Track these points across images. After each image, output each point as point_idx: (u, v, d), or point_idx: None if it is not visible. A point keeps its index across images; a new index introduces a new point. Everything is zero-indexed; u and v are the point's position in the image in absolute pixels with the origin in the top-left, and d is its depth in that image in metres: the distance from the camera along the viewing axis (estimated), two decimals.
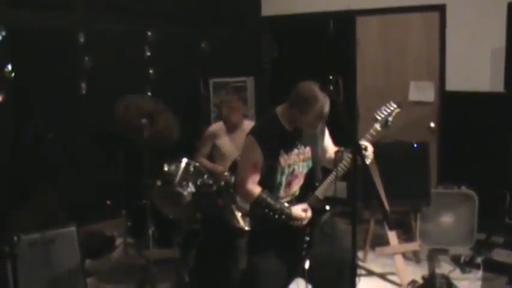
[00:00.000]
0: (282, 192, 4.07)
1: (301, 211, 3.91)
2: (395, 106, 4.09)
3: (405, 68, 7.41)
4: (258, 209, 3.95)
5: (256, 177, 3.98)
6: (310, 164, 4.10)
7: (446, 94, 7.09)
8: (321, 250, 4.00)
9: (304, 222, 3.93)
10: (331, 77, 3.65)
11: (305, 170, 4.12)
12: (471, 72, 6.81)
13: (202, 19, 7.80)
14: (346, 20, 7.74)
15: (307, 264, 3.92)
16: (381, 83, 7.56)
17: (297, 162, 4.04)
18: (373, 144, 4.05)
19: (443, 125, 7.18)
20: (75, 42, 6.56)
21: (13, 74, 6.02)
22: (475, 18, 6.71)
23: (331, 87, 3.65)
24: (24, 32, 6.07)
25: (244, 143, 4.06)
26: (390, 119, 4.05)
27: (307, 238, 3.98)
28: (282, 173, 4.01)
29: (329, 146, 4.30)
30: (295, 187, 4.13)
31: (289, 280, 4.11)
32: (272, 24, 8.47)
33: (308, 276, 4.00)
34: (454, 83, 7.00)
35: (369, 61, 7.70)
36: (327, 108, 3.82)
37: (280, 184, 4.04)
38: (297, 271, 3.98)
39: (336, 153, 3.95)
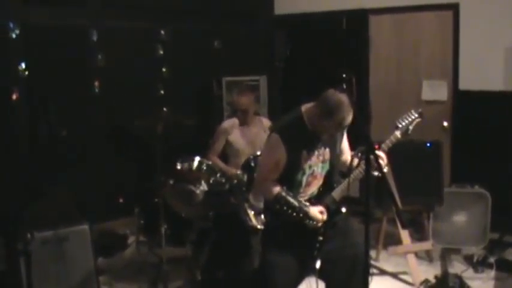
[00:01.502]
0: (300, 192, 4.07)
1: (318, 212, 3.94)
2: (416, 116, 4.16)
3: (418, 67, 7.38)
4: (276, 206, 3.96)
5: (276, 175, 3.99)
6: (327, 165, 4.10)
7: (459, 93, 7.06)
8: (333, 246, 4.02)
9: (320, 224, 3.95)
10: (344, 76, 3.66)
11: (324, 171, 4.11)
12: (484, 71, 6.78)
13: (216, 18, 7.80)
14: (359, 18, 7.72)
15: (318, 264, 3.92)
16: (394, 82, 7.54)
17: (317, 163, 4.04)
18: (388, 153, 4.08)
19: (457, 124, 7.15)
20: (88, 40, 6.59)
21: (26, 72, 6.05)
22: (488, 17, 6.68)
23: (345, 86, 3.66)
24: (38, 30, 6.10)
25: (269, 141, 4.07)
26: (411, 127, 4.13)
27: (321, 238, 3.99)
28: (303, 173, 4.01)
29: (345, 148, 4.31)
30: (314, 187, 4.14)
31: (300, 278, 4.12)
32: (285, 23, 8.45)
33: (320, 274, 4.00)
34: (467, 82, 6.97)
35: (382, 60, 7.68)
36: (347, 120, 3.83)
37: (301, 184, 4.04)
38: (308, 269, 3.99)
39: (352, 157, 3.93)
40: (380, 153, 3.93)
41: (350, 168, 3.88)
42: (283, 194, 3.93)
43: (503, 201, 6.10)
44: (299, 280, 4.14)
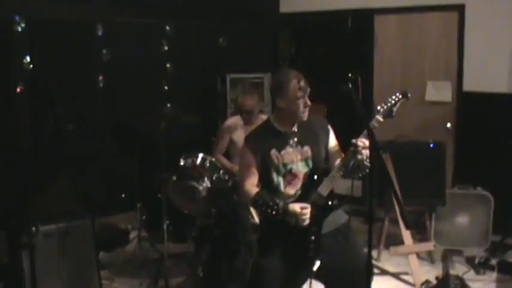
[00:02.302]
0: (283, 193, 4.01)
1: (298, 208, 3.82)
2: (400, 96, 4.00)
3: (423, 68, 7.39)
4: (257, 208, 4.06)
5: (254, 180, 4.03)
6: (310, 163, 4.05)
7: (463, 94, 7.06)
8: (334, 259, 3.93)
9: (305, 220, 3.82)
10: (350, 75, 3.65)
11: (305, 170, 4.05)
12: (489, 72, 6.79)
13: (221, 14, 7.81)
14: (365, 18, 7.72)
15: (316, 266, 3.88)
16: (398, 82, 7.53)
17: (294, 161, 4.00)
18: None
19: (460, 126, 7.15)
20: (93, 35, 6.58)
21: (31, 66, 6.06)
22: (494, 19, 6.69)
23: (350, 85, 3.65)
24: (44, 24, 6.10)
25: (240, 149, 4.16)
26: (395, 109, 3.98)
27: (313, 237, 3.91)
28: (278, 172, 3.99)
29: (335, 152, 4.14)
30: (297, 186, 4.06)
31: (299, 281, 4.05)
32: (290, 21, 8.45)
33: (321, 278, 3.98)
34: (471, 84, 6.97)
35: (387, 60, 7.68)
36: (304, 81, 3.87)
37: (279, 184, 4.01)
38: (307, 272, 3.94)
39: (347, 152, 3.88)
40: (363, 139, 3.77)
41: (346, 163, 3.81)
42: (260, 194, 3.92)
43: (505, 203, 6.10)
44: (298, 284, 4.07)
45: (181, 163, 5.61)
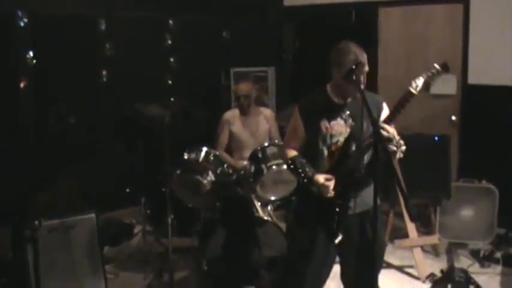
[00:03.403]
0: (325, 163, 4.01)
1: (322, 178, 3.87)
2: (438, 68, 3.68)
3: (427, 60, 7.31)
4: (290, 171, 4.15)
5: (297, 143, 4.09)
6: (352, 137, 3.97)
7: (468, 87, 7.02)
8: (354, 241, 4.01)
9: (327, 191, 3.85)
10: (354, 67, 3.65)
11: None
12: (494, 65, 6.75)
13: (224, 8, 7.79)
14: (369, 10, 7.69)
15: (338, 239, 3.90)
16: (402, 75, 7.49)
17: (342, 133, 3.95)
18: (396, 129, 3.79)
19: (465, 119, 7.12)
20: (96, 30, 6.58)
21: (34, 61, 6.05)
22: (499, 11, 6.64)
23: (354, 77, 3.64)
24: (46, 19, 6.10)
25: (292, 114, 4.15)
26: (432, 82, 3.72)
27: (337, 209, 3.92)
28: (324, 142, 3.97)
29: None
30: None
31: (328, 255, 4.11)
32: (294, 14, 8.43)
33: (340, 253, 4.13)
34: (476, 76, 6.93)
35: (391, 52, 7.65)
36: (363, 57, 3.82)
37: (322, 153, 4.00)
38: (332, 246, 4.00)
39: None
40: (388, 127, 3.67)
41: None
42: (294, 159, 4.04)
43: (510, 196, 6.08)
44: (329, 259, 4.15)
45: (185, 157, 5.61)
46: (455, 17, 7.06)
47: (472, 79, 6.96)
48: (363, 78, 3.82)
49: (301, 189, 4.18)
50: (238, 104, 5.99)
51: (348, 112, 3.96)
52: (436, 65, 3.68)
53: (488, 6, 6.72)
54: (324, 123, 3.94)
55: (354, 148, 3.89)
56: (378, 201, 3.65)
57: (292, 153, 4.09)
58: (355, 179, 3.91)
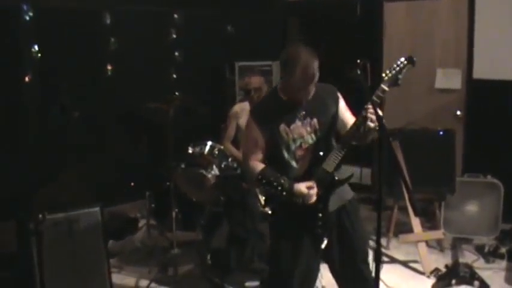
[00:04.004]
0: (296, 170, 3.82)
1: (304, 188, 3.69)
2: (405, 62, 3.83)
3: (432, 55, 7.33)
4: (260, 187, 3.88)
5: (260, 155, 3.81)
6: (318, 136, 3.83)
7: (473, 82, 7.01)
8: (337, 254, 3.92)
9: (311, 199, 3.71)
10: (359, 61, 3.61)
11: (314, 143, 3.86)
12: (499, 60, 6.72)
13: (229, 2, 7.77)
14: (374, 5, 7.67)
15: (324, 244, 3.82)
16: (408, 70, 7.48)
17: (304, 135, 3.79)
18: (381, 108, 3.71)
19: (470, 113, 7.11)
20: (101, 23, 6.58)
21: (39, 55, 6.06)
22: (504, 6, 6.62)
23: (359, 71, 3.61)
24: (51, 13, 6.09)
25: (245, 123, 3.96)
26: (400, 76, 3.81)
27: (320, 214, 3.79)
28: (288, 148, 3.79)
29: (348, 118, 3.91)
30: (307, 161, 3.87)
31: (315, 261, 3.98)
32: (299, 8, 8.41)
33: (325, 257, 3.97)
34: (481, 71, 6.91)
35: (396, 47, 7.62)
36: (312, 68, 3.62)
37: (290, 161, 3.82)
38: (317, 251, 3.89)
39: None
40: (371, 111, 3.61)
41: (353, 134, 3.67)
42: (265, 172, 3.75)
43: None
44: (313, 264, 3.99)
45: (190, 151, 5.61)
46: (460, 11, 7.03)
47: (477, 74, 6.94)
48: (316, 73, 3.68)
49: (273, 201, 3.98)
50: (248, 97, 5.94)
51: (304, 112, 3.79)
52: (402, 59, 3.83)
53: (494, 0, 6.69)
54: (284, 129, 3.76)
55: (321, 153, 3.77)
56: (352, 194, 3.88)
57: (259, 165, 3.79)
58: (331, 178, 3.78)
